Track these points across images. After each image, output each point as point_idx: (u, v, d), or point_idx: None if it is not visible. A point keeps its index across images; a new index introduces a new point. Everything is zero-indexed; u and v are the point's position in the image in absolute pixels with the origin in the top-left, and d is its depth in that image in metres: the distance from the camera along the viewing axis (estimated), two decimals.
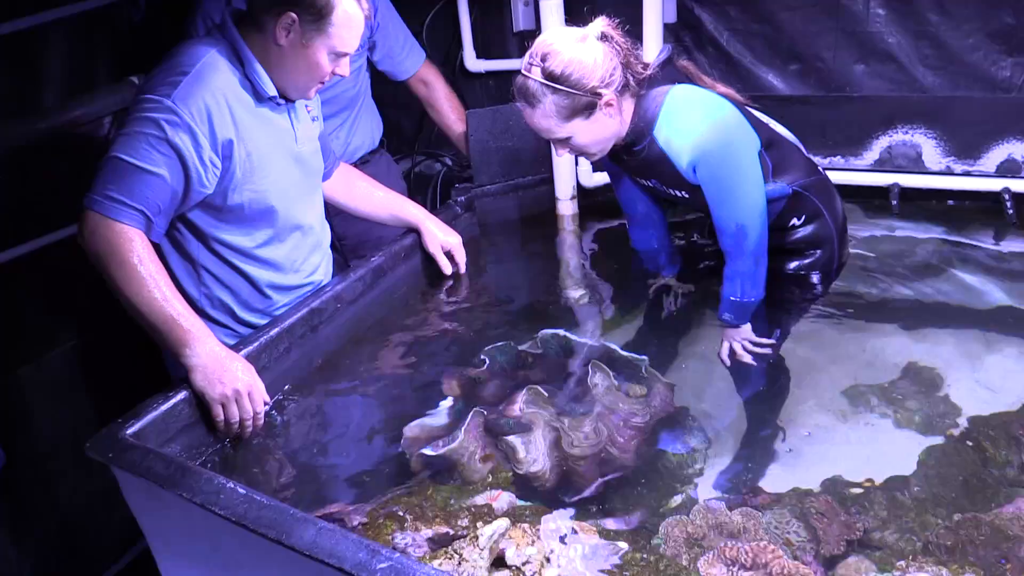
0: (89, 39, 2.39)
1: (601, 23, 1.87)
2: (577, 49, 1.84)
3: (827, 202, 2.05)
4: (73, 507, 2.34)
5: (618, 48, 1.87)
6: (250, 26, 1.79)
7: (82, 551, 2.42)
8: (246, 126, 1.79)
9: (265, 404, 1.70)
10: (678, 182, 1.97)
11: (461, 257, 2.30)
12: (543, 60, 1.84)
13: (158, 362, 2.01)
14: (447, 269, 2.28)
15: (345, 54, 1.82)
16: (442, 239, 2.28)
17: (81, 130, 2.35)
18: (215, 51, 1.77)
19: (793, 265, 2.08)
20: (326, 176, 2.14)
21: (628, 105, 1.93)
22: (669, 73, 1.96)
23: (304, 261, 2.02)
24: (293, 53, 1.77)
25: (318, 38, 1.76)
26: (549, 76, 1.83)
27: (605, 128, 1.91)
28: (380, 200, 2.27)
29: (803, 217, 2.04)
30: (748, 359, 1.94)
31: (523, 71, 1.87)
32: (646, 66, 1.94)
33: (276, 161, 1.87)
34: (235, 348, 1.74)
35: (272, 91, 1.82)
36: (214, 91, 1.73)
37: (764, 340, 1.95)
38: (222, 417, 1.65)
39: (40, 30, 2.24)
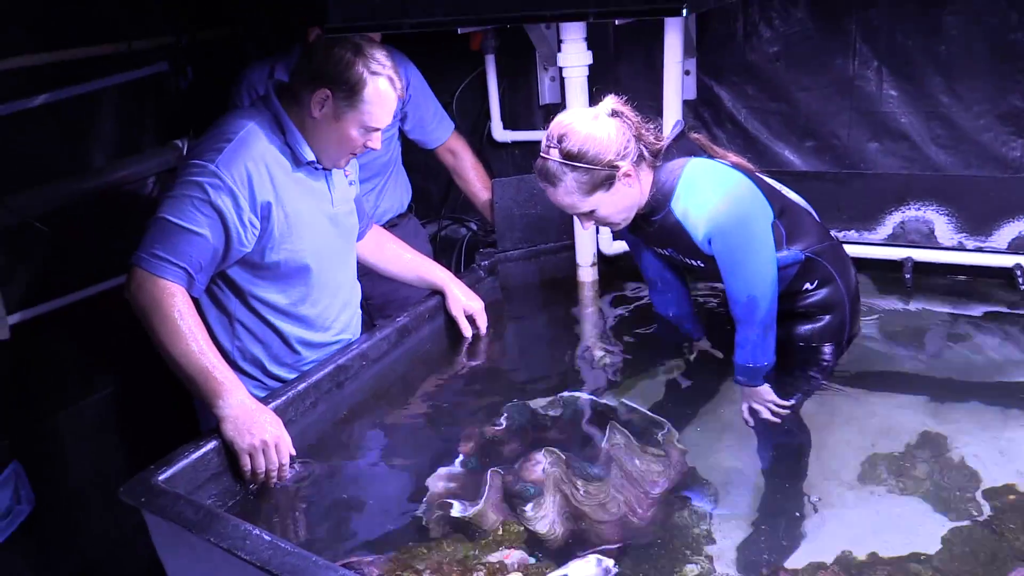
0: (138, 105, 2.53)
1: (611, 101, 1.96)
2: (591, 127, 1.92)
3: (839, 268, 2.10)
4: (97, 551, 2.39)
5: (629, 122, 1.96)
6: (290, 98, 1.91)
7: None
8: (285, 189, 1.90)
9: (291, 456, 1.76)
10: (694, 252, 2.03)
11: (482, 322, 2.36)
12: (560, 141, 1.92)
13: (189, 412, 2.08)
14: (467, 332, 2.34)
15: (376, 129, 1.92)
16: (465, 303, 2.34)
17: (125, 190, 2.48)
18: (257, 120, 1.89)
19: (804, 329, 2.11)
20: (359, 236, 2.23)
21: (646, 175, 2.00)
22: (684, 145, 2.04)
23: (335, 319, 2.10)
24: (327, 126, 1.88)
25: (350, 113, 1.86)
26: (567, 155, 1.91)
27: (626, 198, 1.98)
28: (408, 262, 2.36)
29: (815, 282, 2.08)
30: (768, 416, 1.98)
31: (542, 154, 1.95)
32: (658, 138, 2.02)
33: (312, 222, 1.97)
34: (264, 401, 1.82)
35: (310, 157, 1.93)
36: (255, 157, 1.84)
37: (782, 401, 2.00)
38: (249, 467, 1.71)
39: (93, 96, 2.38)
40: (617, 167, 1.92)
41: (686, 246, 2.03)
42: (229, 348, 1.99)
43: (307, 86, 1.86)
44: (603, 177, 1.93)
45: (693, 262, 2.07)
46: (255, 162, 1.84)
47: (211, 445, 1.70)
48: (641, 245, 2.24)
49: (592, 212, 1.99)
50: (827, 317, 2.10)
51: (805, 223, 2.09)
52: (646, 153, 1.98)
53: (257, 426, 1.71)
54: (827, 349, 2.12)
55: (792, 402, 2.01)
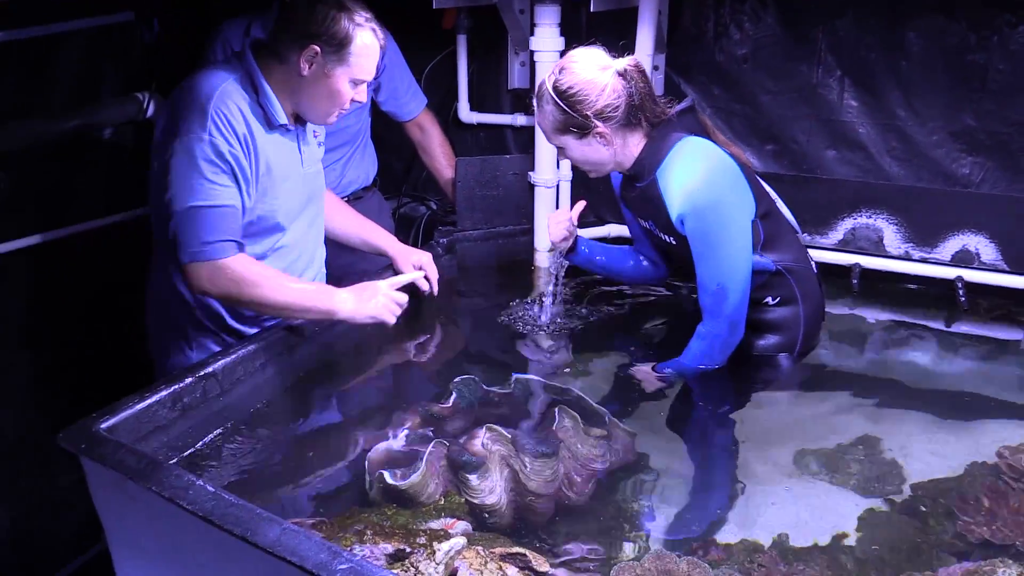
0: (99, 53, 2.47)
1: (628, 60, 1.93)
2: (591, 74, 1.89)
3: (805, 292, 2.06)
4: (32, 505, 2.34)
5: (635, 90, 1.91)
6: (270, 57, 1.90)
7: (30, 551, 2.41)
8: (263, 147, 1.90)
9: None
10: (668, 228, 1.99)
11: (433, 273, 2.34)
12: (559, 72, 1.91)
13: (138, 368, 2.05)
14: (424, 285, 2.32)
15: (363, 81, 1.94)
16: (413, 258, 2.34)
17: (82, 139, 2.42)
18: (230, 79, 1.88)
19: (755, 343, 2.09)
20: None
21: (636, 141, 1.96)
22: (688, 122, 1.99)
23: (303, 272, 2.11)
24: (316, 82, 1.89)
25: (339, 67, 1.88)
26: (555, 88, 1.90)
27: (596, 152, 1.95)
28: (352, 224, 2.35)
29: (777, 299, 2.05)
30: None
31: (546, 75, 1.95)
32: (665, 112, 1.97)
33: (285, 181, 1.97)
34: (215, 358, 1.82)
35: (283, 119, 1.93)
36: (235, 113, 1.85)
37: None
38: (392, 319, 2.01)
39: (53, 39, 2.32)
40: (593, 123, 1.90)
41: (663, 220, 1.99)
42: (191, 301, 1.98)
43: (293, 44, 1.86)
44: (577, 123, 1.91)
45: (667, 238, 2.03)
46: (237, 119, 1.85)
47: (156, 397, 1.68)
48: (632, 217, 2.20)
49: (562, 149, 1.99)
50: (775, 337, 2.08)
51: (787, 237, 2.05)
52: (644, 121, 1.95)
53: (368, 306, 1.96)
54: (773, 361, 2.11)
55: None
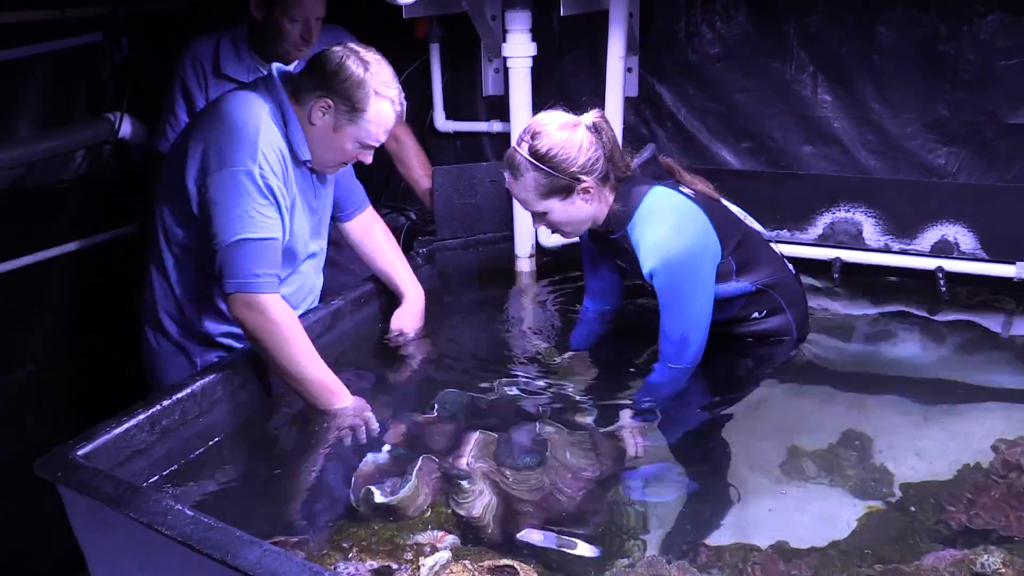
0: (68, 75, 2.45)
1: (593, 115, 1.96)
2: (565, 134, 1.91)
3: (790, 299, 2.13)
4: (12, 533, 2.31)
5: (606, 141, 1.95)
6: (291, 95, 1.91)
7: None
8: (290, 177, 1.93)
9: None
10: (640, 277, 2.04)
11: (408, 341, 2.32)
12: (532, 138, 1.92)
13: (117, 392, 2.03)
14: (392, 341, 2.30)
15: (371, 146, 1.94)
16: (409, 323, 2.32)
17: (54, 161, 2.40)
18: (268, 109, 1.89)
19: (752, 351, 2.15)
20: (348, 217, 2.29)
21: (609, 195, 2.00)
22: (651, 169, 2.03)
23: (301, 302, 2.14)
24: (323, 134, 1.91)
25: (349, 127, 1.89)
26: (534, 153, 1.91)
27: (580, 211, 1.98)
28: (385, 256, 2.36)
29: (764, 312, 2.11)
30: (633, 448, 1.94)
31: (514, 145, 1.96)
32: (628, 164, 2.01)
33: (303, 210, 2.00)
34: (194, 377, 1.81)
35: (307, 155, 1.95)
36: (273, 145, 1.87)
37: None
38: (343, 436, 1.87)
39: (20, 63, 2.30)
40: (579, 180, 1.92)
41: (636, 271, 2.03)
42: (196, 320, 2.01)
43: (312, 91, 1.88)
44: (562, 185, 1.93)
45: (642, 282, 2.07)
46: (275, 150, 1.87)
47: (133, 422, 1.66)
48: (596, 254, 2.23)
49: (544, 214, 1.99)
50: (772, 342, 2.14)
51: (761, 256, 2.10)
52: (611, 175, 1.98)
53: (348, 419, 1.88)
54: (767, 365, 2.17)
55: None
